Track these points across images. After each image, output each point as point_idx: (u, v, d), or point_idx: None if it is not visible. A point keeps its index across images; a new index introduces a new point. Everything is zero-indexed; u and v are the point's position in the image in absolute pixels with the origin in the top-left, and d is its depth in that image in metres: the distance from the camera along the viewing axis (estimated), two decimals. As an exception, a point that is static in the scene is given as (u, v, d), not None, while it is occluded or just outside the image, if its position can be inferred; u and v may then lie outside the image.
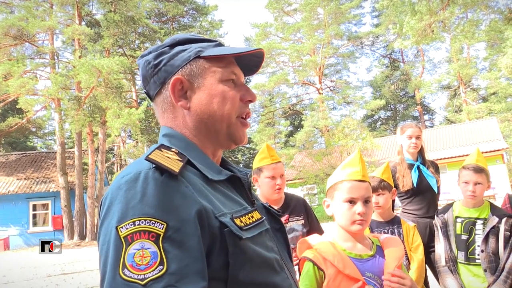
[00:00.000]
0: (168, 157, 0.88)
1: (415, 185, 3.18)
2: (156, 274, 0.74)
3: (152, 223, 0.77)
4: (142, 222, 0.77)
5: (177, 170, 0.85)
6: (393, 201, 3.31)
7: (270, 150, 2.62)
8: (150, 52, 1.04)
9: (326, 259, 1.63)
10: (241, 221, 0.90)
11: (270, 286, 0.91)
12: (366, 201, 1.68)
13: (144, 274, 0.73)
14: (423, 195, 3.21)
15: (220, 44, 1.06)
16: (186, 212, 0.81)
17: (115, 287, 0.74)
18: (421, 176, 3.23)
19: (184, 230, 0.79)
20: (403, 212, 3.34)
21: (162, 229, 0.77)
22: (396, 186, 3.25)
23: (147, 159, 0.86)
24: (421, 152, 3.33)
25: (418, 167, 3.26)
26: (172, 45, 1.02)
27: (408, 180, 3.18)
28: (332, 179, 1.78)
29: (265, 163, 2.57)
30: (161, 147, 0.93)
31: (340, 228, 1.74)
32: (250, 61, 1.08)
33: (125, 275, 0.74)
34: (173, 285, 0.74)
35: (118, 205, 0.80)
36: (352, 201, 1.67)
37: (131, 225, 0.77)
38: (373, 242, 1.76)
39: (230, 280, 0.84)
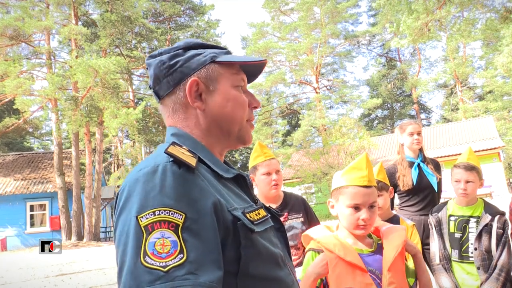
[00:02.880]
0: (183, 153, 0.92)
1: (414, 183, 3.21)
2: (177, 262, 0.76)
3: (172, 214, 0.80)
4: (162, 212, 0.80)
5: (194, 164, 0.89)
6: (393, 199, 3.35)
7: (262, 148, 2.65)
8: (161, 53, 1.06)
9: (327, 248, 1.65)
10: (250, 216, 0.94)
11: (275, 280, 0.94)
12: (371, 206, 1.68)
13: (166, 262, 0.76)
14: (422, 193, 3.24)
15: (229, 52, 1.11)
16: (203, 204, 0.84)
17: (137, 274, 0.76)
18: (421, 174, 3.26)
19: (201, 221, 0.82)
20: (399, 209, 3.37)
21: (181, 219, 0.80)
22: (396, 185, 3.28)
23: (166, 152, 0.89)
24: (421, 150, 3.36)
25: (418, 165, 3.29)
26: (186, 48, 1.06)
27: (409, 179, 3.21)
28: (337, 181, 1.77)
29: (259, 160, 2.60)
30: (174, 143, 0.96)
31: (342, 227, 1.76)
32: (251, 69, 1.13)
33: (147, 262, 0.76)
34: (193, 273, 0.76)
35: (137, 196, 0.83)
36: (356, 207, 1.67)
37: (151, 215, 0.79)
38: (374, 241, 1.77)
39: (240, 273, 0.87)
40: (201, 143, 1.03)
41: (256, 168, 2.61)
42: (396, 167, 3.32)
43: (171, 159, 0.87)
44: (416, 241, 2.42)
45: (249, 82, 1.16)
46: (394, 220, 2.56)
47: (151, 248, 0.77)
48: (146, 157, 0.98)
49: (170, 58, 1.04)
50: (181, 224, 0.80)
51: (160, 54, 1.06)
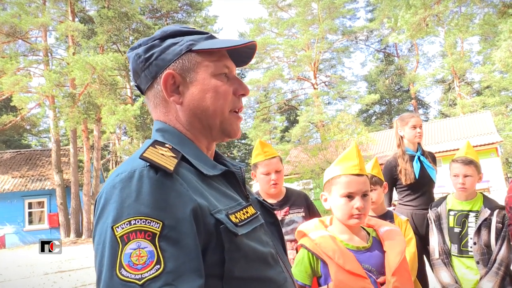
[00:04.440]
0: (163, 154, 0.87)
1: (417, 176, 3.19)
2: (153, 273, 0.74)
3: (148, 222, 0.77)
4: (138, 222, 0.76)
5: (171, 168, 0.84)
6: (391, 195, 3.34)
7: (263, 146, 2.62)
8: (140, 45, 1.02)
9: (327, 255, 1.63)
10: (236, 217, 0.89)
11: (265, 280, 0.91)
12: (364, 195, 1.67)
13: (142, 274, 0.73)
14: (424, 186, 3.22)
15: (212, 37, 1.04)
16: (182, 210, 0.80)
17: (112, 287, 0.73)
18: (422, 168, 3.24)
19: (179, 229, 0.79)
20: (400, 204, 3.34)
21: (158, 228, 0.77)
22: (397, 179, 3.27)
23: (142, 157, 0.84)
24: (419, 143, 3.35)
25: (419, 158, 3.27)
26: (163, 38, 1.00)
27: (411, 173, 3.19)
28: (329, 173, 1.76)
29: (259, 159, 2.59)
30: (155, 143, 0.91)
31: (337, 221, 1.74)
32: (242, 53, 1.07)
33: (122, 275, 0.73)
34: (170, 284, 0.74)
35: (113, 204, 0.79)
36: (350, 196, 1.66)
37: (127, 224, 0.76)
38: (369, 234, 1.76)
39: (226, 276, 0.84)
40: (187, 138, 0.99)
41: (256, 166, 2.62)
42: (397, 160, 3.28)
43: (148, 164, 0.83)
44: (409, 236, 2.41)
45: (242, 65, 1.10)
46: (388, 215, 2.55)
47: (127, 260, 0.74)
48: (125, 160, 0.94)
49: (145, 50, 0.99)
50: (158, 233, 0.76)
51: (139, 46, 1.02)
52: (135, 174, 0.82)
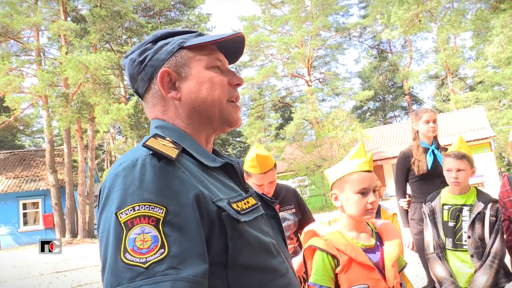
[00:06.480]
0: (164, 145, 0.90)
1: (429, 168, 3.26)
2: (158, 257, 0.75)
3: (152, 208, 0.78)
4: (142, 207, 0.78)
5: (174, 156, 0.87)
6: (405, 187, 3.46)
7: (259, 160, 2.48)
8: (133, 51, 1.05)
9: (339, 249, 1.67)
10: (237, 206, 0.91)
11: (268, 269, 0.93)
12: (374, 190, 1.73)
13: (146, 257, 0.75)
14: (438, 179, 3.23)
15: (201, 34, 1.08)
16: (185, 196, 0.82)
17: (117, 271, 0.75)
18: (435, 161, 3.30)
19: (183, 215, 0.80)
20: (413, 197, 3.41)
21: (162, 213, 0.79)
22: (409, 169, 3.37)
23: (144, 145, 0.87)
24: (435, 137, 3.41)
25: (433, 151, 3.33)
26: (155, 41, 1.04)
27: (423, 164, 3.27)
28: (338, 171, 1.79)
29: (254, 171, 2.49)
30: (156, 135, 0.94)
31: (346, 218, 1.78)
32: (232, 48, 1.10)
33: (127, 259, 0.75)
34: (175, 267, 0.75)
35: (117, 192, 0.81)
36: (363, 192, 1.70)
37: (130, 210, 0.78)
38: (372, 230, 1.81)
39: (230, 264, 0.86)
40: (186, 134, 1.01)
41: (249, 175, 2.51)
42: (412, 152, 3.38)
43: (151, 152, 0.86)
44: None
45: (233, 61, 1.13)
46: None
47: (131, 244, 0.76)
48: (128, 151, 0.96)
49: (139, 54, 1.03)
50: (162, 218, 0.78)
51: (132, 52, 1.05)
52: (138, 162, 0.84)
